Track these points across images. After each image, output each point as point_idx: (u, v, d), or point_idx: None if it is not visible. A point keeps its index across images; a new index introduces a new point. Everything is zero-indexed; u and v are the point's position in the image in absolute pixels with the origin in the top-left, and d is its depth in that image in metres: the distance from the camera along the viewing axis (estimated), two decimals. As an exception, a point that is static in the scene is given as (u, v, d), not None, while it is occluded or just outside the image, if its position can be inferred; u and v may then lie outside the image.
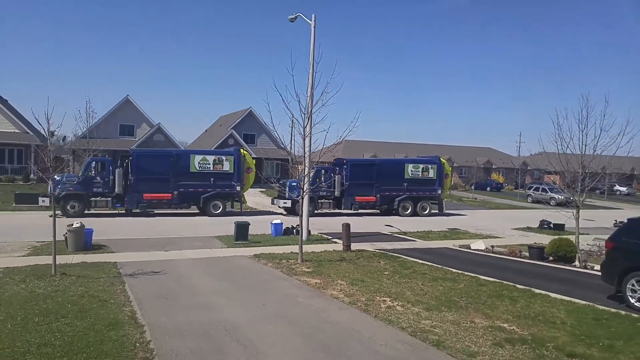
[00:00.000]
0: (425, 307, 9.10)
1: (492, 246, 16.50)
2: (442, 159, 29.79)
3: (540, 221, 23.64)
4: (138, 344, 6.84)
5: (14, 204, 25.59)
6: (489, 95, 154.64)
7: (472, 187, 51.93)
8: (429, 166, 28.71)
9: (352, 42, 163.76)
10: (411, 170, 28.21)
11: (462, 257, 15.25)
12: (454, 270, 12.69)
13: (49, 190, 21.40)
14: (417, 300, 9.62)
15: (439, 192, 28.90)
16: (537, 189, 44.98)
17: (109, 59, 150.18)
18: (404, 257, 14.51)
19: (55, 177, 15.80)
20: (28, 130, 39.98)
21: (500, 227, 23.82)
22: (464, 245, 17.30)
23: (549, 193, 42.65)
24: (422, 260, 13.98)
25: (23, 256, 13.24)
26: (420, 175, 28.39)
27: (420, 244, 17.79)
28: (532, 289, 10.66)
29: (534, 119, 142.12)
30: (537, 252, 14.90)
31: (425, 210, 28.18)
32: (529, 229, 23.26)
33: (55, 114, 11.68)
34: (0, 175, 36.77)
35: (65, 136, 44.37)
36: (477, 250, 16.39)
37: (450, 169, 31.81)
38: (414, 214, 27.71)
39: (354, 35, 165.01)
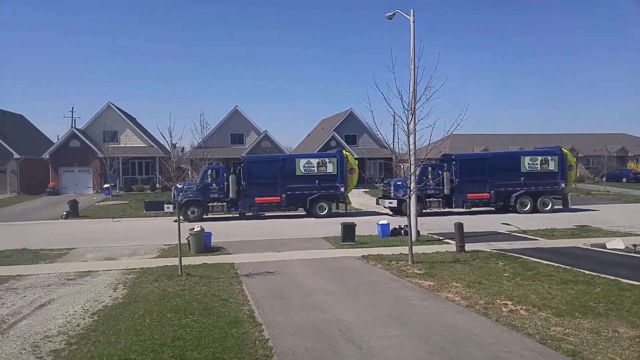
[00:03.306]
0: (555, 313, 8.25)
1: (635, 245, 14.43)
2: (564, 149, 27.10)
3: (700, 216, 20.18)
4: (257, 342, 7.12)
5: (144, 211, 28.46)
6: (615, 75, 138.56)
7: (603, 178, 46.51)
8: (549, 158, 26.27)
9: (455, 31, 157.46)
10: (528, 163, 26.05)
11: (596, 257, 13.63)
12: (586, 272, 11.36)
13: (172, 198, 23.43)
14: (544, 304, 8.77)
15: (562, 185, 26.30)
16: None
17: (218, 71, 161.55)
18: (525, 257, 13.39)
19: (178, 185, 17.11)
20: (153, 144, 44.47)
21: (642, 223, 20.85)
22: (598, 244, 15.44)
23: None
24: (546, 261, 12.78)
25: (154, 258, 14.64)
26: (539, 168, 26.09)
27: (543, 243, 16.30)
28: (693, 296, 9.10)
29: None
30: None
31: (547, 206, 25.83)
32: (684, 225, 20.01)
33: (174, 127, 12.84)
34: (132, 186, 41.25)
35: (183, 147, 48.49)
36: (615, 249, 14.51)
37: (575, 159, 28.74)
38: (534, 210, 25.52)
39: (456, 24, 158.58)
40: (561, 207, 26.24)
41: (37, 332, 7.77)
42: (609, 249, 14.62)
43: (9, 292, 10.56)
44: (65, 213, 26.94)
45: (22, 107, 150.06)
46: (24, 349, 7.03)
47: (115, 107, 44.18)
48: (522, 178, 25.83)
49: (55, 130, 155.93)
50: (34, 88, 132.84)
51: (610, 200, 33.59)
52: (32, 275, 12.40)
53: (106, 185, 37.56)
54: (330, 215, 25.11)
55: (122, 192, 39.88)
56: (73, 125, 53.71)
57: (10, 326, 8.16)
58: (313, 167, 25.54)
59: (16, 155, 40.35)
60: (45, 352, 6.89)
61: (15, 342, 7.35)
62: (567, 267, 11.97)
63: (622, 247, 14.56)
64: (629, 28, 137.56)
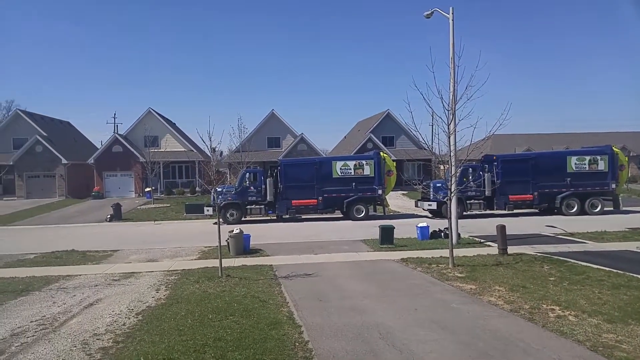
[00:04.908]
0: (607, 319, 7.87)
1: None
2: (614, 148, 25.81)
3: None
4: (297, 344, 7.14)
5: (184, 214, 29.07)
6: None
7: (659, 178, 44.12)
8: (598, 157, 25.12)
9: (497, 29, 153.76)
10: (575, 163, 25.03)
11: (651, 261, 12.92)
12: (640, 276, 10.82)
13: (212, 201, 23.81)
14: (595, 310, 8.38)
15: (613, 186, 25.08)
16: None
17: (255, 76, 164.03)
18: (572, 261, 12.85)
19: (217, 188, 17.38)
20: (192, 148, 45.55)
21: (702, 226, 19.57)
22: (652, 247, 14.66)
23: None
24: (596, 265, 12.21)
25: (194, 259, 14.89)
26: (587, 168, 25.01)
27: (592, 246, 15.59)
28: None
29: None
30: None
31: (596, 207, 24.70)
32: None
33: (213, 132, 13.09)
34: (173, 189, 42.25)
35: (222, 151, 49.32)
36: (671, 253, 13.72)
37: (627, 159, 27.30)
38: (582, 212, 24.49)
39: (498, 22, 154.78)
40: (612, 208, 25.10)
41: (87, 330, 8.08)
42: (666, 253, 13.84)
43: (60, 292, 11.05)
44: (109, 216, 27.90)
45: (69, 114, 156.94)
46: (75, 346, 7.33)
47: (156, 112, 45.35)
48: (569, 179, 24.85)
49: (99, 136, 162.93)
50: (79, 95, 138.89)
51: (664, 202, 31.78)
52: (80, 275, 12.92)
53: (148, 189, 38.60)
54: (367, 217, 24.93)
55: (163, 195, 40.87)
56: (115, 131, 55.44)
57: (62, 324, 8.52)
58: (350, 169, 25.42)
59: (64, 161, 42.18)
60: (94, 350, 7.16)
61: (67, 339, 7.68)
62: (619, 271, 11.41)
63: (679, 250, 13.75)
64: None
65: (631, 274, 11.03)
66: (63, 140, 46.79)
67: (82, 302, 10.04)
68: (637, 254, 14.04)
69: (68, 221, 28.27)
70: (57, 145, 43.22)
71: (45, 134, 43.34)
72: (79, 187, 42.78)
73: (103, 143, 46.82)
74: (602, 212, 24.53)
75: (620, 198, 25.88)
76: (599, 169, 25.06)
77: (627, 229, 18.99)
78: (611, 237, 17.23)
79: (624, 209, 25.77)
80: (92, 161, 42.58)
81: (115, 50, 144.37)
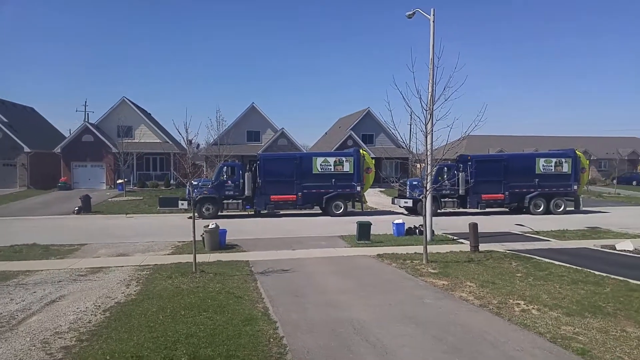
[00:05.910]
0: (565, 312, 8.43)
1: (644, 247, 14.54)
2: (577, 152, 27.15)
3: None
4: (272, 339, 7.17)
5: (158, 207, 28.27)
6: (629, 79, 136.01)
7: (614, 181, 46.33)
8: (563, 160, 26.37)
9: (476, 30, 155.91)
10: (543, 165, 26.13)
11: (606, 258, 13.74)
12: (596, 272, 11.53)
13: (187, 194, 23.53)
14: (555, 304, 8.94)
15: (575, 187, 26.40)
16: None
17: (236, 69, 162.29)
18: (537, 258, 13.53)
19: (193, 181, 17.16)
20: (168, 140, 44.34)
21: (652, 225, 20.79)
22: (607, 245, 15.55)
23: None
24: (558, 262, 12.92)
25: (168, 254, 14.62)
26: (553, 170, 26.19)
27: (555, 244, 16.40)
28: (701, 297, 9.18)
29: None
30: None
31: (560, 207, 25.90)
32: (692, 228, 19.97)
33: (190, 123, 12.69)
34: (146, 181, 41.12)
35: (199, 144, 48.67)
36: (624, 251, 14.60)
37: (588, 162, 28.79)
38: (547, 211, 25.63)
39: (477, 23, 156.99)
40: (573, 208, 26.31)
41: (47, 329, 7.69)
42: (619, 250, 14.75)
43: (19, 288, 10.43)
44: (77, 208, 26.58)
45: (34, 100, 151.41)
46: (34, 345, 6.93)
47: (130, 102, 43.89)
48: (537, 180, 25.93)
49: (67, 124, 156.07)
50: (45, 81, 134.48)
51: (620, 203, 33.58)
52: (42, 270, 12.22)
53: (119, 181, 37.57)
54: (346, 214, 25.21)
55: (135, 187, 39.69)
56: (86, 120, 53.23)
57: (20, 322, 8.08)
58: (330, 165, 25.60)
59: (26, 149, 39.81)
60: (56, 349, 6.78)
61: (25, 338, 7.28)
62: (577, 267, 12.14)
63: (632, 248, 14.69)
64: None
65: (588, 270, 11.78)
66: (26, 127, 44.09)
67: (43, 298, 9.53)
68: (594, 251, 14.94)
69: (31, 213, 26.47)
70: (19, 132, 40.70)
71: (5, 119, 40.74)
72: (44, 177, 40.50)
73: (72, 132, 44.44)
74: (565, 212, 25.73)
75: (580, 199, 27.18)
76: (563, 171, 26.28)
77: (585, 228, 20.08)
78: (572, 235, 18.21)
79: (584, 209, 27.07)
80: (59, 150, 40.60)
81: (89, 35, 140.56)
